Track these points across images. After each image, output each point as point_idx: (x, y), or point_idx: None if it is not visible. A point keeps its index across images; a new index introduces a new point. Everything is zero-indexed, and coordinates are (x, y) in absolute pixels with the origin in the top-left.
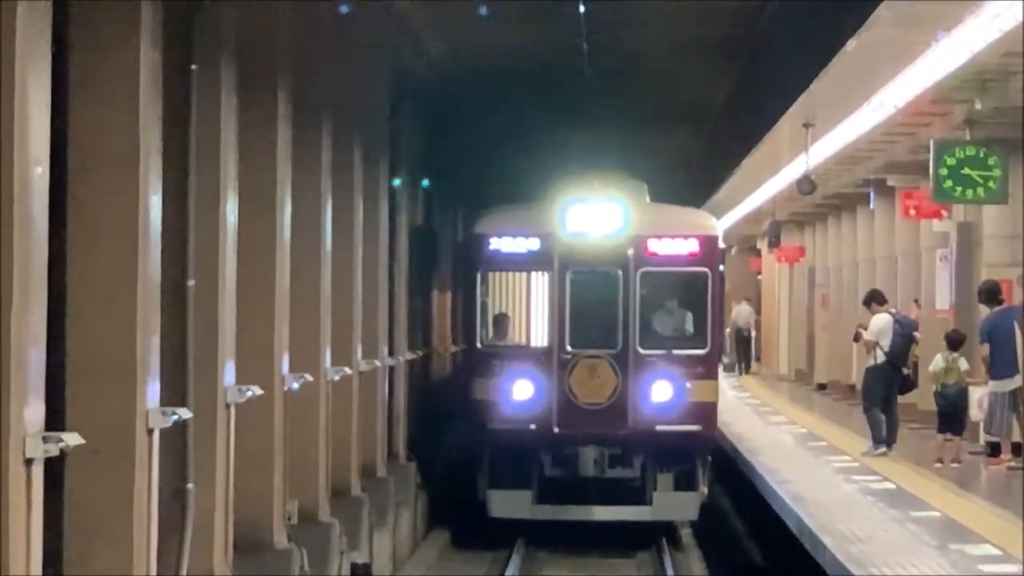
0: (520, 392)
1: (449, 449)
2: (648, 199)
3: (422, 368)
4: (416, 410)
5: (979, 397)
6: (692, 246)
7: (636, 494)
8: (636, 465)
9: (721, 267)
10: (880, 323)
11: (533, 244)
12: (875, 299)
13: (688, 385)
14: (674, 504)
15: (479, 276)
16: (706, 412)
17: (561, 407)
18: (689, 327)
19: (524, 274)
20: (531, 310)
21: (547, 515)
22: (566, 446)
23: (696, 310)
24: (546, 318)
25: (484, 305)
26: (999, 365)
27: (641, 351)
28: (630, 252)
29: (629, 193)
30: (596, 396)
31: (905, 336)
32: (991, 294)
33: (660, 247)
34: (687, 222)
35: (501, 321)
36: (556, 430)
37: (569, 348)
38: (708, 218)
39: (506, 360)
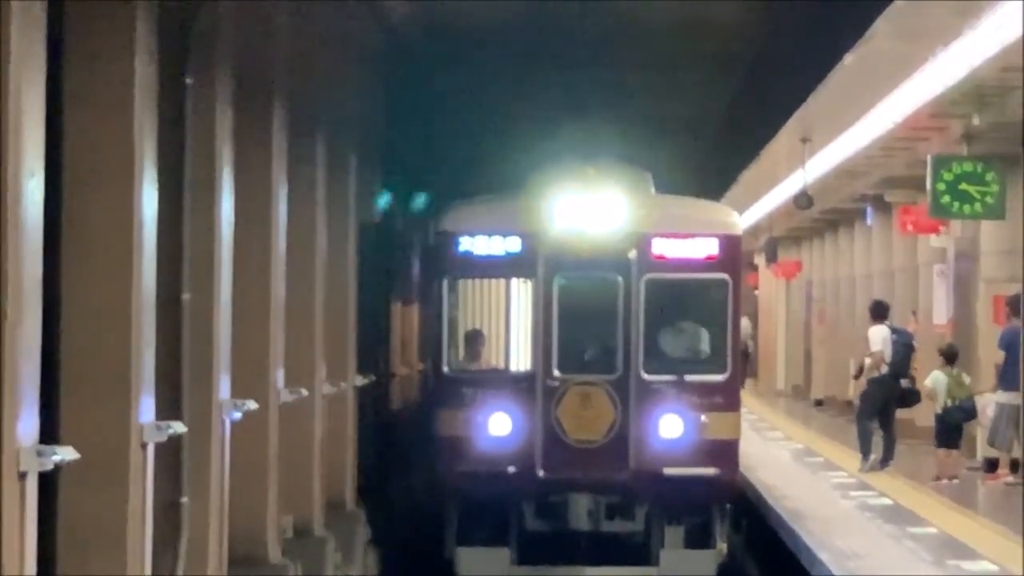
0: (496, 427)
1: (412, 493)
2: (654, 190)
3: (377, 395)
4: (369, 447)
5: (983, 404)
6: (709, 247)
7: (639, 552)
8: (639, 517)
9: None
10: (880, 335)
11: (513, 245)
12: (875, 312)
13: (703, 419)
14: (686, 564)
15: (446, 284)
16: (725, 452)
17: (547, 445)
18: (705, 347)
19: (502, 282)
20: (510, 326)
21: None
22: (553, 493)
23: (713, 327)
24: (529, 336)
25: (452, 320)
26: (1011, 376)
27: (645, 377)
28: (632, 255)
29: (630, 183)
30: (590, 432)
31: (905, 345)
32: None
33: (669, 248)
34: (702, 218)
35: (474, 339)
36: (540, 474)
37: (557, 373)
38: (728, 213)
39: (479, 388)
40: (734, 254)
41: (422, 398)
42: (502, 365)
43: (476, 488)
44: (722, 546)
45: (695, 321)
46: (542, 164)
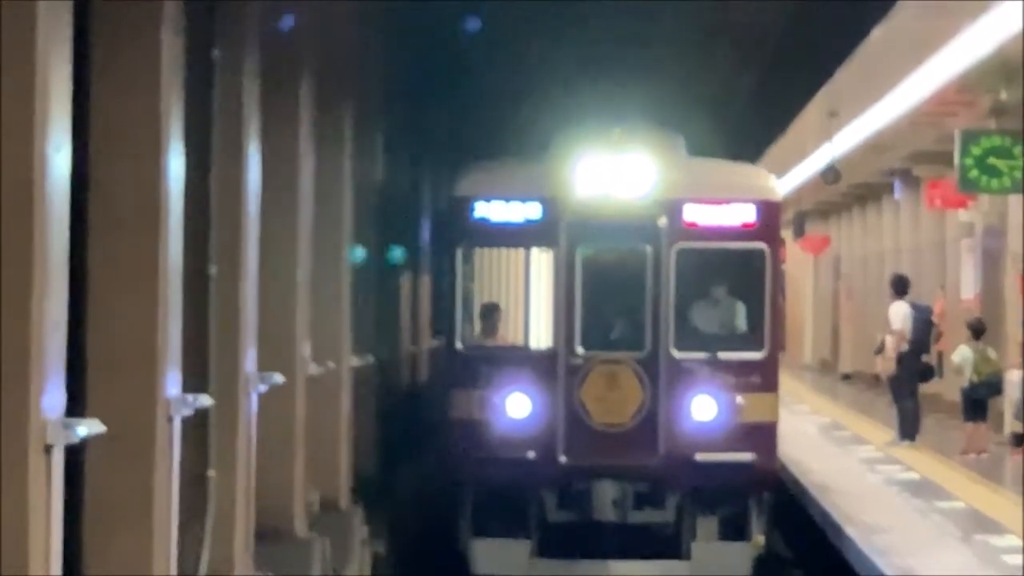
0: (514, 409)
1: (420, 482)
2: (685, 154)
3: (381, 376)
4: (371, 433)
5: (1010, 379)
6: (746, 214)
7: (669, 544)
8: (669, 506)
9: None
10: (901, 312)
11: (533, 211)
12: (897, 287)
13: (739, 400)
14: (720, 558)
15: (460, 254)
16: (763, 436)
17: (569, 429)
18: (741, 323)
19: (521, 251)
20: (530, 300)
21: (551, 572)
22: (576, 481)
23: (750, 300)
24: (550, 310)
25: (467, 293)
26: None
27: (676, 354)
28: (662, 222)
29: (660, 145)
30: (616, 415)
31: (924, 321)
32: None
33: (702, 215)
34: (738, 182)
35: (490, 313)
36: (562, 460)
37: (580, 350)
38: (766, 176)
39: (496, 366)
40: (773, 221)
41: (436, 377)
42: (521, 342)
43: (493, 475)
44: (759, 538)
45: (730, 294)
46: (566, 126)
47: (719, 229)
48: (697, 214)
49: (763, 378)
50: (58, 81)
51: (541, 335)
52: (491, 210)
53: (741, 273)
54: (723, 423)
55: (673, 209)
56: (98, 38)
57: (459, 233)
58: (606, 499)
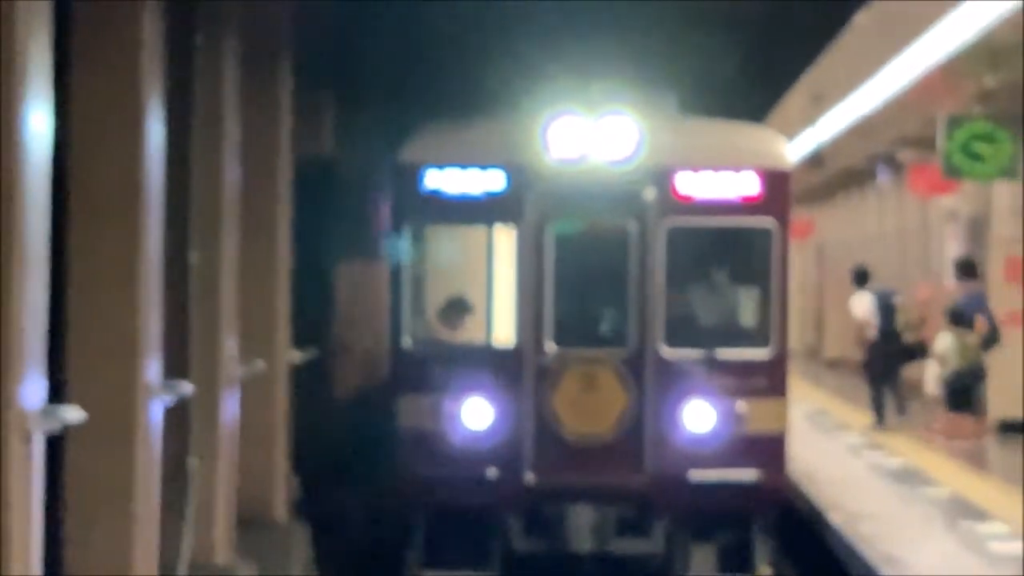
0: (473, 418)
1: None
2: (678, 113)
3: (320, 374)
4: (311, 439)
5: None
6: (749, 185)
7: None
8: (657, 534)
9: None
10: (862, 301)
11: (495, 181)
12: (858, 278)
13: (740, 407)
14: None
15: (408, 233)
16: (769, 450)
17: (538, 442)
18: (743, 315)
19: (481, 229)
20: (492, 288)
21: None
22: (546, 504)
23: (754, 287)
24: (515, 300)
25: (417, 280)
26: None
27: (666, 353)
28: (649, 194)
29: (647, 102)
30: (594, 424)
31: (886, 304)
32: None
33: (697, 186)
34: (740, 146)
35: (455, 309)
36: (530, 478)
37: (551, 348)
38: (774, 139)
39: (451, 367)
40: (781, 194)
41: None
42: (481, 338)
43: (447, 496)
44: (765, 570)
45: (730, 280)
46: (535, 79)
47: (717, 203)
48: (691, 185)
49: (769, 381)
50: (37, 69)
51: (505, 329)
52: (445, 180)
53: (743, 255)
54: (722, 434)
55: (662, 179)
56: (78, 25)
57: (406, 209)
58: (582, 525)
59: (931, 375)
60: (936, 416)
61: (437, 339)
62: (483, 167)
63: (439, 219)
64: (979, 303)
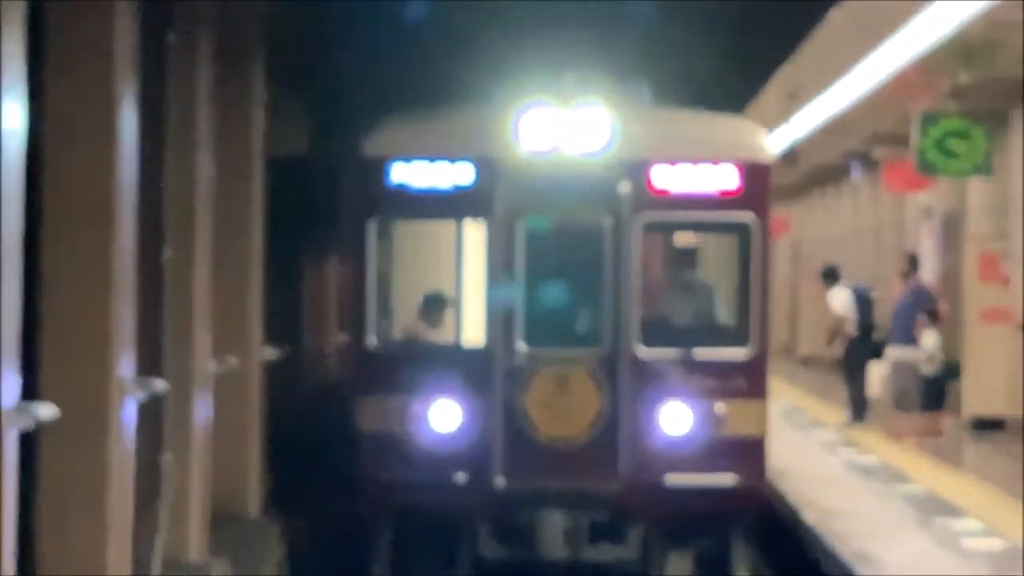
0: (440, 420)
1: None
2: (652, 104)
3: (293, 371)
4: (285, 436)
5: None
6: (727, 178)
7: None
8: (633, 541)
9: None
10: (839, 297)
11: (464, 175)
12: (828, 276)
13: (719, 409)
14: None
15: (372, 229)
16: (748, 453)
17: (509, 445)
18: (722, 313)
19: (449, 224)
20: (461, 285)
21: None
22: (517, 510)
23: (733, 285)
24: (485, 298)
25: (382, 277)
26: None
27: (642, 352)
28: (624, 188)
29: (621, 93)
30: (567, 427)
31: (866, 302)
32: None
33: (673, 179)
34: (718, 138)
35: (434, 306)
36: (500, 483)
37: (522, 348)
38: (753, 131)
39: (417, 367)
40: (761, 188)
41: (344, 382)
42: (449, 337)
43: (413, 502)
44: None
45: (709, 278)
46: (506, 70)
47: (694, 197)
48: (667, 178)
49: (749, 381)
50: (12, 66)
51: (473, 329)
52: (411, 173)
53: (722, 251)
54: (699, 437)
55: (637, 172)
56: (51, 22)
57: (371, 203)
58: (554, 532)
59: (875, 376)
60: (891, 418)
61: (404, 338)
62: (452, 160)
63: (406, 214)
64: (927, 295)
